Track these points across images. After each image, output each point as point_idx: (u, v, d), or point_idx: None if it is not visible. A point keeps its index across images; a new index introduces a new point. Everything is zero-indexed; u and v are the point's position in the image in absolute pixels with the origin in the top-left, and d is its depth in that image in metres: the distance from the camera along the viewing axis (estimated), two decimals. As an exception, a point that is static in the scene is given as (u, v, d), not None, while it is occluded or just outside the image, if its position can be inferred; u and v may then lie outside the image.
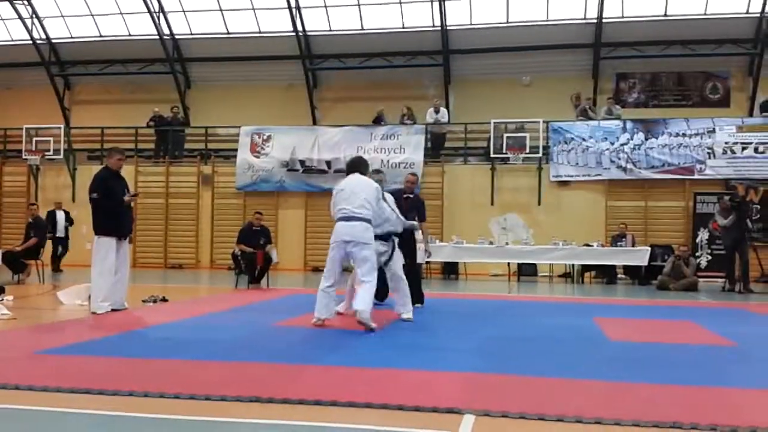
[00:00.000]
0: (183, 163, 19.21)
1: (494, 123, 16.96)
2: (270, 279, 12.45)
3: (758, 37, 17.55)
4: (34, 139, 18.81)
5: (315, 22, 19.14)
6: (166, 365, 4.84)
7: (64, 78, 21.09)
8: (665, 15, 17.72)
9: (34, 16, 19.98)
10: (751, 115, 17.49)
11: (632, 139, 16.64)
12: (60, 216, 16.20)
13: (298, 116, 19.38)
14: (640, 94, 18.71)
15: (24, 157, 18.88)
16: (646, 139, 16.58)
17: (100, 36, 20.22)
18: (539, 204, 17.05)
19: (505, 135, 16.89)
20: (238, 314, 8.20)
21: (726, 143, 16.25)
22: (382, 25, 18.80)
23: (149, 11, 19.15)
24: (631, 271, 15.14)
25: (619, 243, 14.96)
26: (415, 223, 8.43)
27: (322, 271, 7.18)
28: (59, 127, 19.00)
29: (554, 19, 18.22)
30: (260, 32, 19.60)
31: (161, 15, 19.44)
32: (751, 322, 8.48)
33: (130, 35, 20.08)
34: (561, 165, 17.00)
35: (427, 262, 15.32)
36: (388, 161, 17.16)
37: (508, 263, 15.75)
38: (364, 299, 6.57)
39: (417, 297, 8.42)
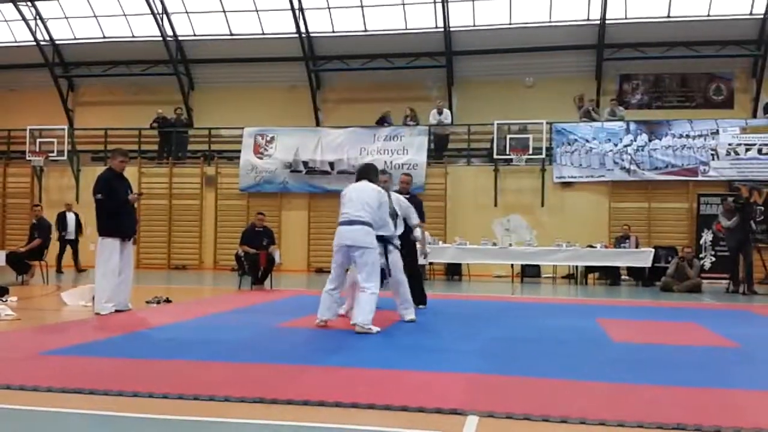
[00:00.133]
0: (186, 164, 19.23)
1: (497, 124, 16.95)
2: (273, 280, 12.46)
3: (762, 38, 17.52)
4: (38, 140, 18.84)
5: (318, 24, 19.16)
6: (169, 366, 4.85)
7: (68, 79, 21.13)
8: (668, 16, 17.70)
9: (37, 17, 20.03)
10: (754, 116, 17.46)
11: (636, 141, 16.62)
12: (70, 218, 16.16)
13: (301, 117, 19.40)
14: (644, 95, 18.70)
15: (28, 158, 18.90)
16: (650, 141, 16.57)
17: (104, 37, 20.26)
18: (542, 205, 17.04)
19: (509, 136, 16.88)
20: (241, 315, 8.20)
21: (730, 144, 16.23)
22: (385, 26, 18.81)
23: (153, 13, 19.18)
24: (634, 272, 15.11)
25: (622, 244, 14.94)
26: (418, 234, 8.43)
27: (325, 272, 7.22)
28: (63, 129, 19.04)
29: (557, 21, 18.21)
30: (263, 34, 19.62)
31: (164, 16, 19.47)
32: (754, 324, 8.46)
33: (133, 37, 20.11)
34: (564, 166, 16.99)
35: (430, 263, 15.33)
36: (391, 162, 17.16)
37: (512, 264, 15.73)
38: (363, 310, 6.53)
39: (419, 298, 8.41)
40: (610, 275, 15.18)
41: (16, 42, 20.83)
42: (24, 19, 20.00)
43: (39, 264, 12.63)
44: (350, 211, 6.83)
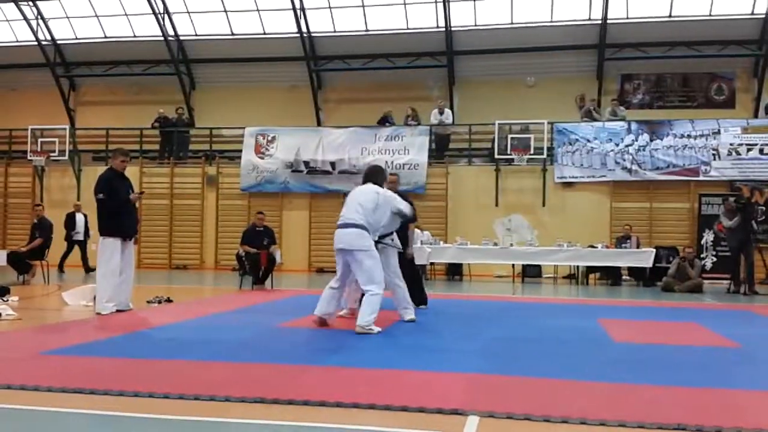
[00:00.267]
0: (188, 164, 19.24)
1: (498, 124, 16.95)
2: (274, 280, 12.47)
3: (763, 38, 17.50)
4: (40, 140, 18.85)
5: (319, 24, 19.16)
6: (170, 366, 4.85)
7: (69, 79, 21.15)
8: (670, 16, 17.69)
9: (39, 17, 20.05)
10: (756, 116, 17.44)
11: (637, 141, 16.61)
12: (79, 218, 16.14)
13: (302, 117, 19.41)
14: (645, 95, 18.69)
15: (29, 158, 18.92)
16: (651, 141, 16.56)
17: (105, 37, 20.27)
18: (544, 205, 17.03)
19: (510, 136, 16.88)
20: (242, 315, 8.21)
21: (731, 144, 16.22)
22: (386, 26, 18.82)
23: (154, 12, 19.18)
24: (635, 272, 15.09)
25: (623, 244, 14.93)
26: (411, 233, 8.40)
27: (326, 272, 7.25)
28: (64, 128, 19.05)
29: (559, 20, 18.21)
30: (265, 33, 19.63)
31: (166, 16, 19.48)
32: (756, 324, 8.46)
33: (135, 36, 20.13)
34: (565, 166, 16.98)
35: (431, 264, 15.33)
36: (392, 162, 17.16)
37: (513, 264, 15.72)
38: (364, 312, 6.52)
39: (419, 298, 8.40)
40: (611, 275, 15.17)
41: (17, 42, 20.85)
42: (25, 18, 20.02)
43: (40, 264, 12.64)
44: (344, 213, 6.83)
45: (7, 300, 8.48)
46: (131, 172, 10.36)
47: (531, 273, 15.95)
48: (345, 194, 7.45)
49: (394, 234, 7.56)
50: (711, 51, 17.85)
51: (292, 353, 5.60)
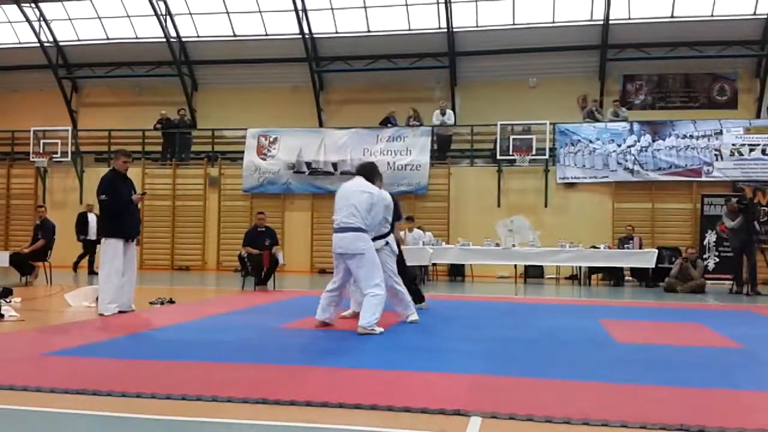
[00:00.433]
0: (190, 165, 19.25)
1: (500, 125, 16.95)
2: (276, 281, 12.47)
3: (765, 38, 17.50)
4: (42, 141, 18.87)
5: (321, 25, 19.18)
6: (173, 367, 4.85)
7: (72, 80, 21.18)
8: (672, 16, 17.68)
9: (41, 18, 20.09)
10: (758, 116, 17.44)
11: (639, 141, 16.60)
12: (92, 218, 16.11)
13: (304, 118, 19.43)
14: (647, 95, 18.68)
15: (32, 159, 18.95)
16: (653, 141, 16.54)
17: (107, 39, 20.31)
18: (546, 206, 17.03)
19: (512, 137, 16.88)
20: (244, 316, 8.21)
21: (733, 145, 16.20)
22: (388, 27, 18.83)
23: (156, 14, 19.21)
24: (638, 273, 15.08)
25: (626, 245, 14.90)
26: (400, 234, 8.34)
27: (329, 273, 7.18)
28: (67, 130, 19.08)
29: (560, 21, 18.21)
30: (267, 35, 19.66)
31: (168, 18, 19.51)
32: (758, 325, 8.44)
33: (137, 38, 20.16)
34: (568, 167, 16.98)
35: (433, 264, 15.32)
36: (394, 163, 17.19)
37: (515, 265, 15.71)
38: (366, 313, 6.52)
39: (416, 297, 8.38)
40: (613, 276, 15.16)
41: (20, 43, 20.91)
42: (28, 20, 20.06)
43: (42, 265, 12.65)
44: (339, 217, 6.77)
45: (10, 301, 8.48)
46: (133, 173, 10.36)
47: (533, 274, 15.94)
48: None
49: (392, 237, 7.54)
50: (713, 51, 17.84)
51: (295, 354, 5.60)
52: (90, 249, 15.93)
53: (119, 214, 8.02)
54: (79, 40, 20.55)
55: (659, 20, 17.78)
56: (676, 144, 16.44)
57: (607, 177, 16.75)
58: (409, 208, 16.16)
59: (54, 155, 18.68)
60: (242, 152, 18.47)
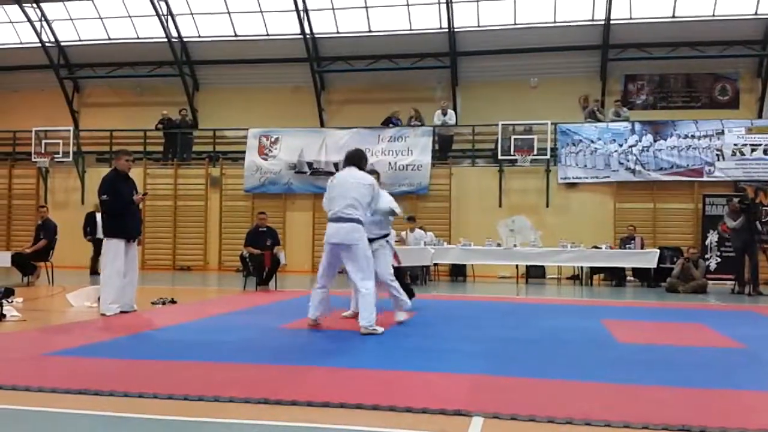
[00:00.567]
0: (191, 165, 19.26)
1: (502, 125, 16.95)
2: (278, 281, 12.47)
3: (767, 38, 17.48)
4: (44, 141, 18.89)
5: (322, 25, 19.17)
6: (174, 367, 4.86)
7: (73, 81, 21.19)
8: (673, 16, 17.66)
9: (43, 19, 20.10)
10: (760, 116, 17.42)
11: (641, 141, 16.59)
12: (99, 218, 16.05)
13: (305, 118, 19.43)
14: (649, 95, 18.67)
15: (33, 159, 18.96)
16: (655, 141, 16.53)
17: (109, 39, 20.32)
18: (547, 206, 17.02)
19: (513, 137, 16.88)
20: (245, 316, 8.21)
21: (735, 145, 16.18)
22: (389, 27, 18.82)
23: (157, 14, 19.22)
24: (640, 273, 15.07)
25: (627, 245, 14.90)
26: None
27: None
28: (68, 130, 19.10)
29: (562, 21, 18.20)
30: (268, 35, 19.65)
31: (169, 18, 19.51)
32: (760, 325, 8.43)
33: (138, 38, 20.16)
34: (569, 167, 16.97)
35: (435, 264, 15.31)
36: (395, 163, 17.19)
37: (516, 265, 15.71)
38: (365, 314, 6.50)
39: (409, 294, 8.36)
40: (615, 276, 15.15)
41: (21, 43, 20.91)
42: (29, 20, 20.07)
43: (44, 265, 12.66)
44: (338, 207, 6.69)
45: (12, 301, 8.48)
46: (135, 173, 10.34)
47: (535, 274, 15.93)
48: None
49: (393, 233, 7.54)
50: (714, 51, 17.83)
51: (296, 354, 5.60)
52: (100, 249, 15.82)
53: (121, 214, 8.03)
54: (80, 40, 20.56)
55: (660, 20, 17.77)
56: (677, 144, 16.42)
57: (608, 177, 16.74)
58: (410, 209, 16.16)
59: (55, 155, 18.70)
60: (243, 152, 18.47)
